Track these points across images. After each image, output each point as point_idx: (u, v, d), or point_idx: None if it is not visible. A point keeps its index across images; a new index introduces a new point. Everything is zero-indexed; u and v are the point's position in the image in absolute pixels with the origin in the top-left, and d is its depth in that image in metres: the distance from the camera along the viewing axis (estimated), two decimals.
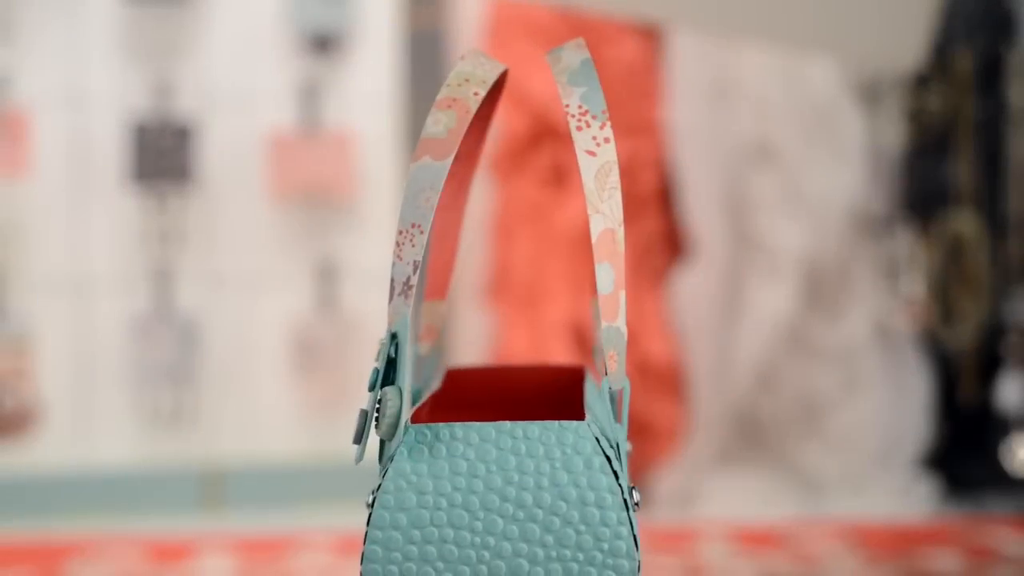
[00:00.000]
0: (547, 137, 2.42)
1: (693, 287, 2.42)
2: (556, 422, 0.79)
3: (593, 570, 0.77)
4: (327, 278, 2.48)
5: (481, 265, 2.48)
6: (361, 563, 0.77)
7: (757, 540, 1.97)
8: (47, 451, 2.39)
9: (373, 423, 0.79)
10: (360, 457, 0.78)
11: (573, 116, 0.82)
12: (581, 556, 0.77)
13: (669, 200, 2.45)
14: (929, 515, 2.27)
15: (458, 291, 2.51)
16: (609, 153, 0.81)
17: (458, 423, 0.79)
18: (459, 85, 0.83)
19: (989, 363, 2.40)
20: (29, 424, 2.37)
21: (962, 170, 2.39)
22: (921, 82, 2.40)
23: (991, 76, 2.39)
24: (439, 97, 0.81)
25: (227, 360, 2.45)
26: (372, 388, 0.79)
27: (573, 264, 2.40)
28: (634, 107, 2.43)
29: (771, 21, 2.02)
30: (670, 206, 2.45)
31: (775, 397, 2.41)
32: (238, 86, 2.49)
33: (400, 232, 0.79)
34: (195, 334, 2.45)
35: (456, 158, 0.96)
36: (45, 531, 2.15)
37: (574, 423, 0.79)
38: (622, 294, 0.79)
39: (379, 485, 0.77)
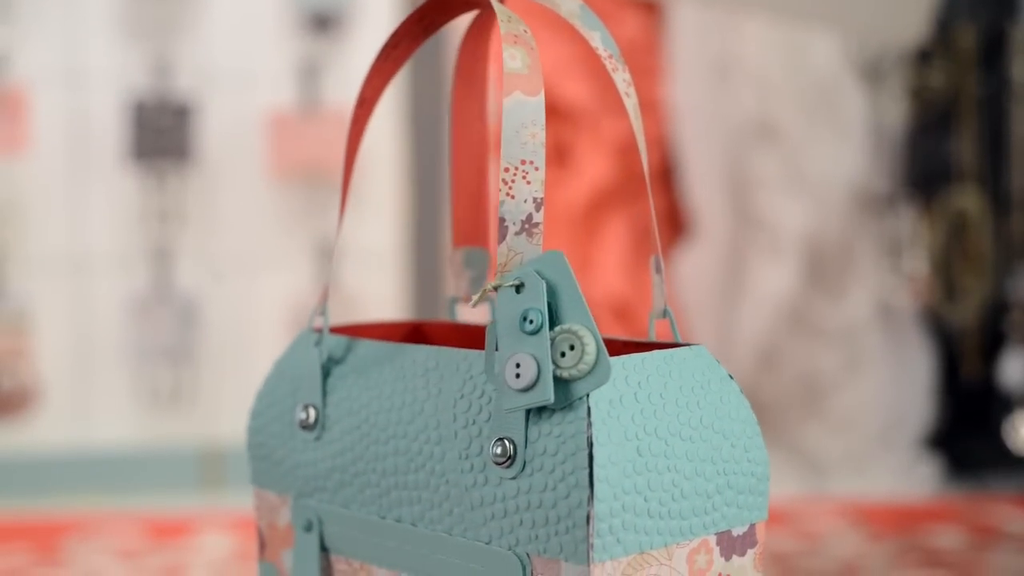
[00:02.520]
0: (549, 115, 2.41)
1: (694, 266, 2.41)
2: (683, 349, 0.81)
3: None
4: (327, 258, 2.47)
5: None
6: (592, 499, 0.73)
7: None
8: (46, 431, 2.38)
9: (554, 364, 0.74)
10: (553, 396, 0.74)
11: (602, 57, 0.84)
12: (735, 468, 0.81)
13: (671, 179, 2.44)
14: (932, 494, 2.26)
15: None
16: (635, 96, 0.84)
17: (625, 356, 0.77)
18: (508, 21, 0.81)
19: (992, 340, 2.39)
20: (28, 404, 2.37)
21: (965, 147, 2.38)
22: (923, 58, 2.39)
23: (994, 52, 2.38)
24: (504, 32, 0.79)
25: (226, 340, 2.44)
26: (537, 331, 0.74)
27: (576, 244, 2.39)
28: (635, 85, 2.41)
29: None
30: (671, 185, 2.44)
31: (777, 377, 2.40)
32: (237, 65, 2.48)
33: (506, 170, 0.76)
34: (194, 313, 2.44)
35: (461, 93, 0.96)
36: (43, 510, 2.14)
37: (697, 347, 0.82)
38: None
39: (589, 423, 0.74)
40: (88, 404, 2.42)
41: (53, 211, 2.42)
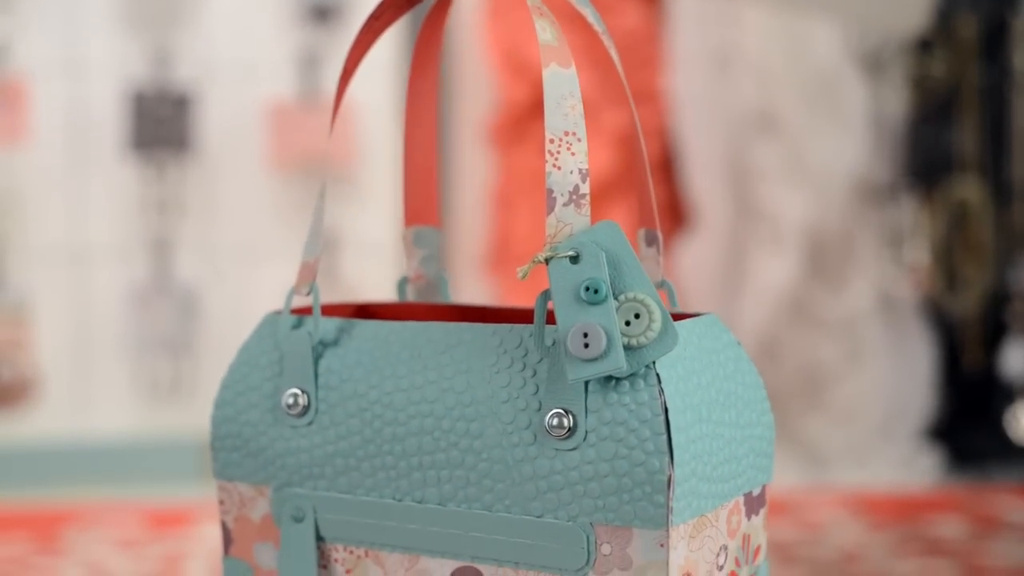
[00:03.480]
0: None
1: (695, 257, 2.40)
2: (700, 318, 0.83)
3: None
4: (327, 248, 2.46)
5: (481, 236, 2.47)
6: (672, 455, 0.75)
7: None
8: (45, 421, 2.38)
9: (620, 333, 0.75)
10: (626, 364, 0.74)
11: (597, 32, 0.84)
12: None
13: (671, 169, 2.44)
14: (933, 484, 2.26)
15: (458, 261, 2.50)
16: (617, 58, 0.85)
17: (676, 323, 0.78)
18: None
19: (994, 330, 2.39)
20: (27, 394, 2.36)
21: (966, 136, 2.38)
22: (924, 48, 2.38)
23: (995, 41, 2.37)
24: (530, 4, 0.79)
25: (226, 330, 2.44)
26: (603, 300, 0.75)
27: None
28: (636, 76, 2.41)
29: None
30: (672, 175, 2.43)
31: (778, 368, 2.39)
32: (237, 55, 2.48)
33: (551, 141, 0.77)
34: (194, 304, 2.43)
35: (417, 71, 0.95)
36: (42, 500, 2.14)
37: (710, 315, 0.84)
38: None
39: (660, 389, 0.75)
40: (88, 395, 2.42)
41: (52, 202, 2.41)
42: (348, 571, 0.85)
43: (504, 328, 0.80)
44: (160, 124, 2.43)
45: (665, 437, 0.74)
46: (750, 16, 2.39)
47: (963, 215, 2.38)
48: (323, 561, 0.86)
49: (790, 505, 1.98)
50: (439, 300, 0.98)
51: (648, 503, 0.74)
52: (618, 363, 0.74)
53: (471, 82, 2.50)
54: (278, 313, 0.90)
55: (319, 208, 0.88)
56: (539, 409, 0.77)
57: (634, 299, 0.75)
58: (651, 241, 0.90)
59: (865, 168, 2.39)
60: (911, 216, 2.41)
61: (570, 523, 0.76)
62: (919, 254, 2.41)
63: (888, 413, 2.38)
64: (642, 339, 0.75)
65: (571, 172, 0.77)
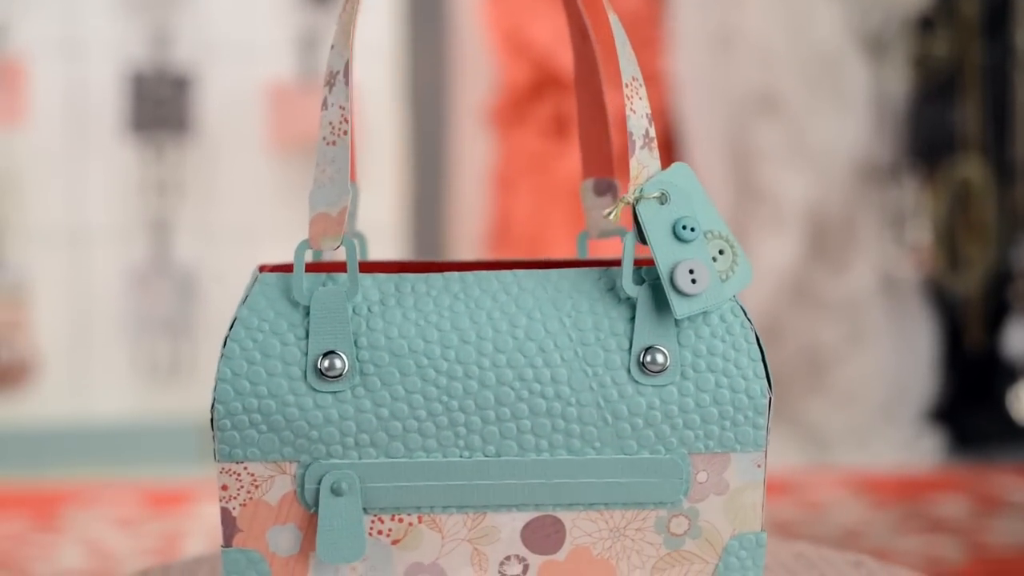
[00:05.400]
0: (549, 87, 2.40)
1: None
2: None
3: None
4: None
5: (482, 216, 2.46)
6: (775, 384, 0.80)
7: None
8: (44, 403, 2.37)
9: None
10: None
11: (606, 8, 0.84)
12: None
13: (672, 150, 2.43)
14: (935, 465, 2.25)
15: (459, 241, 2.50)
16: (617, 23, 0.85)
17: None
18: None
19: (996, 310, 2.38)
20: (26, 376, 2.36)
21: (968, 116, 2.37)
22: (926, 27, 2.37)
23: (997, 20, 2.36)
24: None
25: (225, 311, 2.43)
26: (698, 238, 0.78)
27: (575, 215, 2.38)
28: (637, 57, 2.40)
29: None
30: (673, 157, 2.43)
31: (779, 350, 2.39)
32: (237, 36, 2.47)
33: (626, 86, 0.80)
34: (193, 286, 2.43)
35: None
36: (41, 480, 2.13)
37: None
38: None
39: (748, 319, 0.80)
40: (87, 376, 2.41)
41: (51, 183, 2.41)
42: (395, 542, 0.80)
43: (570, 271, 0.80)
44: (159, 105, 2.42)
45: (761, 363, 0.79)
46: None
47: (965, 195, 2.37)
48: None
49: (791, 485, 1.97)
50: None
51: (750, 427, 0.79)
52: (722, 296, 0.78)
53: (471, 63, 2.49)
54: (272, 270, 0.83)
55: (344, 146, 0.80)
56: (629, 348, 0.79)
57: (719, 235, 0.79)
58: (603, 191, 0.91)
59: (867, 148, 2.38)
60: (913, 196, 2.40)
61: (668, 456, 0.79)
62: (921, 234, 2.40)
63: (890, 394, 2.37)
64: (729, 273, 0.78)
65: (642, 116, 0.80)
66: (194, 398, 2.41)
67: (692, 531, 0.80)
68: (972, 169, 2.36)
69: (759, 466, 0.80)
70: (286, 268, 0.84)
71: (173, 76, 2.43)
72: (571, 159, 2.37)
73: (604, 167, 0.92)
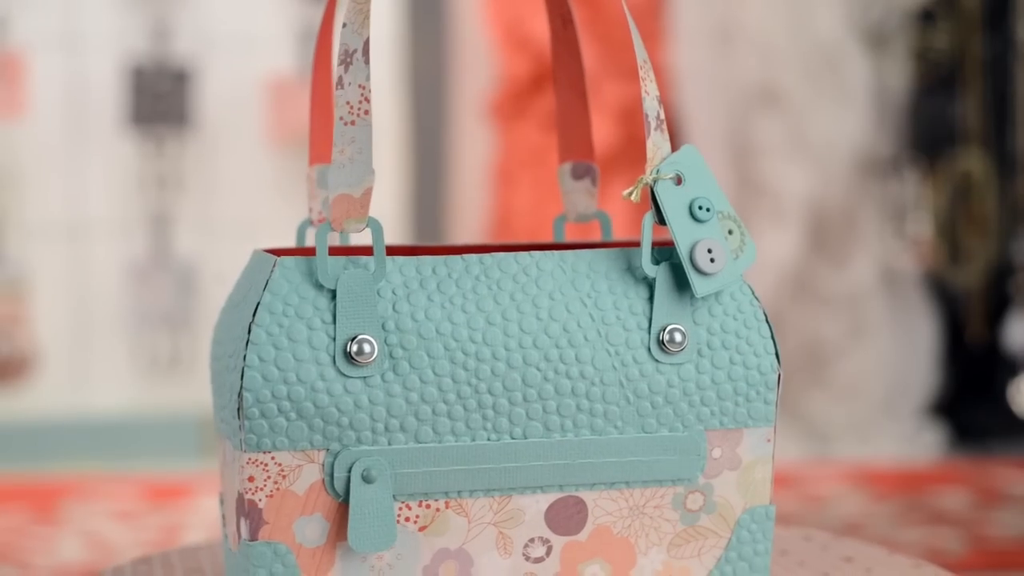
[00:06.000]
0: (549, 80, 2.39)
1: None
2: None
3: None
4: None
5: (482, 210, 2.46)
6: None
7: None
8: (44, 397, 2.37)
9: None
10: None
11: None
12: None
13: (673, 144, 2.42)
14: (936, 458, 2.25)
15: (459, 236, 2.50)
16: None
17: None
18: None
19: (997, 304, 2.38)
20: (26, 370, 2.36)
21: (970, 108, 2.37)
22: (927, 19, 2.37)
23: (999, 12, 2.36)
24: None
25: None
26: (712, 218, 0.81)
27: None
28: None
29: None
30: (674, 150, 2.42)
31: (780, 344, 2.38)
32: (237, 29, 2.47)
33: (641, 67, 0.83)
34: (192, 280, 2.43)
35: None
36: (40, 473, 2.13)
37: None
38: None
39: (755, 297, 0.83)
40: (86, 370, 2.41)
41: (51, 177, 2.40)
42: (422, 528, 0.79)
43: (586, 252, 0.81)
44: (159, 99, 2.42)
45: (771, 340, 0.82)
46: None
47: (966, 188, 2.37)
48: None
49: (792, 479, 1.97)
50: (596, 238, 0.99)
51: (761, 402, 0.82)
52: (737, 274, 0.80)
53: (471, 57, 2.49)
54: (278, 254, 0.84)
55: (365, 125, 0.79)
56: (648, 328, 0.80)
57: (727, 216, 0.81)
58: (580, 174, 0.93)
59: (868, 142, 2.38)
60: (914, 189, 2.40)
61: (686, 433, 0.81)
62: (922, 227, 2.40)
63: (891, 389, 2.37)
64: (738, 252, 0.80)
65: (655, 98, 0.82)
66: (193, 392, 2.41)
67: (707, 507, 0.82)
68: (973, 162, 2.36)
69: (768, 441, 0.82)
70: (287, 253, 0.85)
71: (173, 70, 2.43)
72: None
73: (582, 151, 0.94)
